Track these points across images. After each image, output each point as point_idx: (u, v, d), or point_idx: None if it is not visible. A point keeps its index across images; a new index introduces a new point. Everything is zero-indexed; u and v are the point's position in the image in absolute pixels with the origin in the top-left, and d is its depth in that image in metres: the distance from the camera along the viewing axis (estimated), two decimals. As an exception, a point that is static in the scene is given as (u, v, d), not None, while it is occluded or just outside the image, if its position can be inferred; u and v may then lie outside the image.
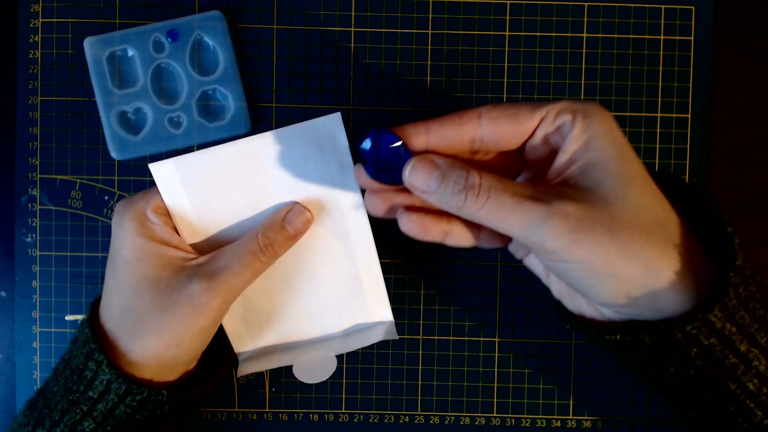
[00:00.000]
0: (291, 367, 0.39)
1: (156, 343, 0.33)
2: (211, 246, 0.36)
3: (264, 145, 0.35)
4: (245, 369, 0.39)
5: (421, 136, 0.32)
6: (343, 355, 0.44)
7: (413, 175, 0.31)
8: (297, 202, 0.36)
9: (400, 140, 0.32)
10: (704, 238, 0.32)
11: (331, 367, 0.39)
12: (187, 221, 0.36)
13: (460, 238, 0.34)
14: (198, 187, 0.36)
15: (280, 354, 0.40)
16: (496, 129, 0.31)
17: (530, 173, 0.34)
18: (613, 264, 0.29)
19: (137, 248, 0.34)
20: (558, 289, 0.35)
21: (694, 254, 0.30)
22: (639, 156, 0.31)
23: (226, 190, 0.36)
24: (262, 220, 0.36)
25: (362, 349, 0.44)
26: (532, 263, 0.37)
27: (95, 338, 0.34)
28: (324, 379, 0.39)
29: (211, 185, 0.36)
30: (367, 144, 0.32)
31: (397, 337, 0.39)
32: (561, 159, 0.31)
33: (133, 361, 0.34)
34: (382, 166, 0.32)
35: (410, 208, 0.33)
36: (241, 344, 0.40)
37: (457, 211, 0.30)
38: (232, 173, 0.36)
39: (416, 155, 0.31)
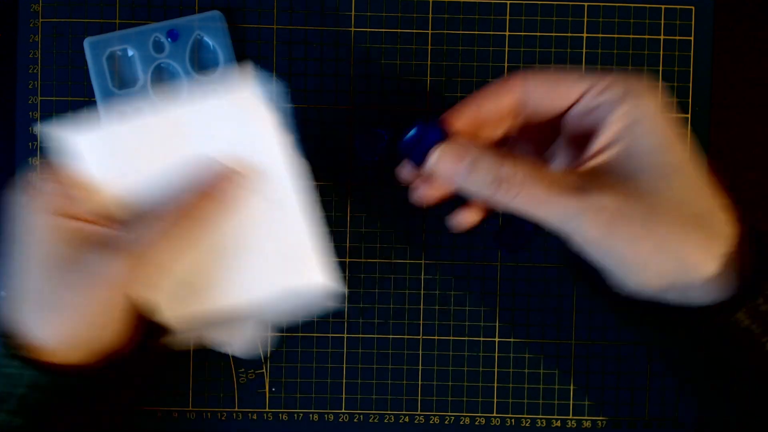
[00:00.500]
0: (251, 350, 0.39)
1: (67, 324, 0.31)
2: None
3: (180, 116, 0.35)
4: (176, 341, 0.37)
5: (472, 110, 0.31)
6: (343, 354, 0.44)
7: (441, 162, 0.29)
8: (225, 166, 0.34)
9: (445, 135, 0.29)
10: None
11: (261, 335, 0.39)
12: (106, 192, 0.35)
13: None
14: (117, 157, 0.35)
15: (212, 324, 0.39)
16: (539, 96, 0.30)
17: (565, 146, 0.32)
18: (647, 258, 0.28)
19: (54, 228, 0.31)
20: None
21: (735, 250, 0.29)
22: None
23: (145, 160, 0.35)
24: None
25: (362, 349, 0.44)
26: None
27: None
28: (252, 350, 0.38)
29: (130, 155, 0.35)
30: (410, 136, 0.30)
31: (335, 303, 0.39)
32: (601, 139, 0.29)
33: (44, 346, 0.31)
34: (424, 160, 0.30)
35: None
36: (170, 315, 0.37)
37: (485, 199, 0.29)
38: (151, 143, 0.35)
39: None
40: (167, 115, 0.35)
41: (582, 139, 0.31)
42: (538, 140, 0.33)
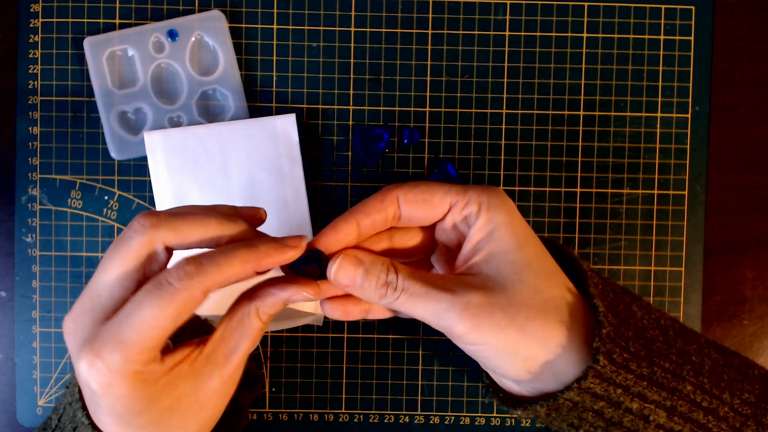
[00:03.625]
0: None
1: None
2: (175, 199, 0.42)
3: (231, 131, 0.42)
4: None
5: (353, 227, 0.33)
6: (343, 354, 0.44)
7: (339, 272, 0.32)
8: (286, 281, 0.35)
9: (317, 250, 0.33)
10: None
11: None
12: (162, 183, 0.42)
13: (379, 313, 0.36)
14: (175, 154, 0.42)
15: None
16: (412, 210, 0.34)
17: (441, 253, 0.37)
18: (514, 344, 0.31)
19: (147, 399, 0.30)
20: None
21: (589, 326, 0.33)
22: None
23: (194, 161, 0.42)
24: (218, 191, 0.42)
25: (362, 349, 0.44)
26: None
27: None
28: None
29: (185, 155, 0.42)
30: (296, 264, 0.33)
31: (321, 323, 0.43)
32: (466, 248, 0.34)
33: None
34: (303, 272, 0.33)
35: (331, 298, 0.35)
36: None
37: (377, 301, 0.32)
38: (202, 149, 0.42)
39: (335, 254, 0.33)
40: (217, 129, 0.42)
41: (455, 248, 0.35)
42: (416, 252, 0.37)
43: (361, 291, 0.32)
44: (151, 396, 0.29)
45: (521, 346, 0.32)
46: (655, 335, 0.33)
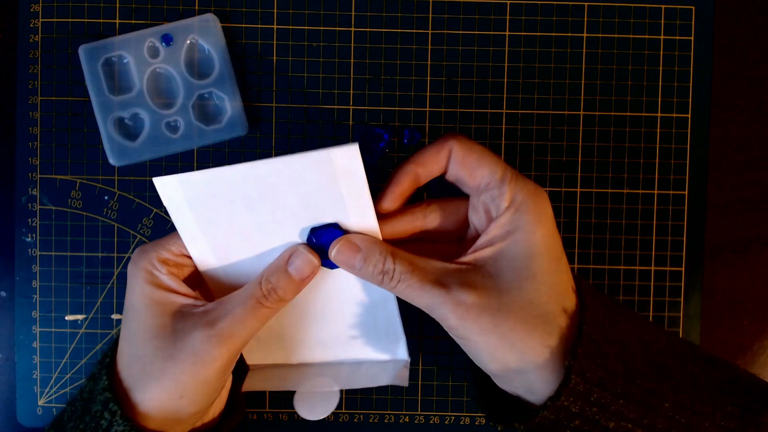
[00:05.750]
0: (293, 398, 0.38)
1: (159, 392, 0.33)
2: (220, 262, 0.36)
3: (271, 171, 0.33)
4: (251, 385, 0.39)
5: (410, 178, 0.36)
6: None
7: (339, 255, 0.34)
8: (302, 245, 0.35)
9: (341, 231, 0.35)
10: None
11: (333, 402, 0.38)
12: (194, 238, 0.35)
13: None
14: (203, 205, 0.34)
15: (287, 375, 0.39)
16: (456, 170, 0.36)
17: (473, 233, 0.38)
18: (492, 348, 0.33)
19: (145, 296, 0.34)
20: None
21: (568, 346, 0.33)
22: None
23: (231, 210, 0.34)
24: (268, 246, 0.35)
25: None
26: None
27: (111, 387, 0.34)
28: (324, 416, 0.37)
29: (216, 205, 0.34)
30: (311, 239, 0.35)
31: (407, 384, 0.38)
32: (482, 239, 0.34)
33: (141, 411, 0.33)
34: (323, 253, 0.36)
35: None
36: (252, 357, 0.40)
37: (377, 285, 0.34)
38: (238, 195, 0.34)
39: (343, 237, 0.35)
40: (252, 170, 0.33)
41: (486, 219, 0.36)
42: (448, 234, 0.38)
43: (361, 275, 0.34)
44: (150, 280, 0.34)
45: (498, 353, 0.33)
46: (637, 352, 0.33)
